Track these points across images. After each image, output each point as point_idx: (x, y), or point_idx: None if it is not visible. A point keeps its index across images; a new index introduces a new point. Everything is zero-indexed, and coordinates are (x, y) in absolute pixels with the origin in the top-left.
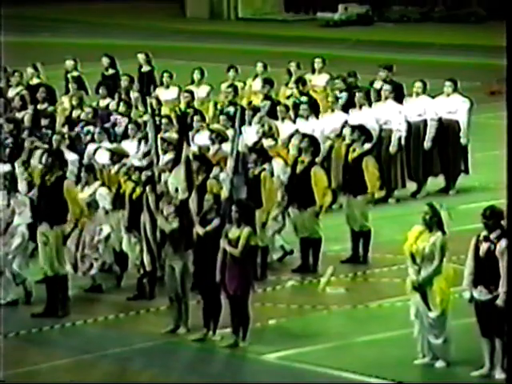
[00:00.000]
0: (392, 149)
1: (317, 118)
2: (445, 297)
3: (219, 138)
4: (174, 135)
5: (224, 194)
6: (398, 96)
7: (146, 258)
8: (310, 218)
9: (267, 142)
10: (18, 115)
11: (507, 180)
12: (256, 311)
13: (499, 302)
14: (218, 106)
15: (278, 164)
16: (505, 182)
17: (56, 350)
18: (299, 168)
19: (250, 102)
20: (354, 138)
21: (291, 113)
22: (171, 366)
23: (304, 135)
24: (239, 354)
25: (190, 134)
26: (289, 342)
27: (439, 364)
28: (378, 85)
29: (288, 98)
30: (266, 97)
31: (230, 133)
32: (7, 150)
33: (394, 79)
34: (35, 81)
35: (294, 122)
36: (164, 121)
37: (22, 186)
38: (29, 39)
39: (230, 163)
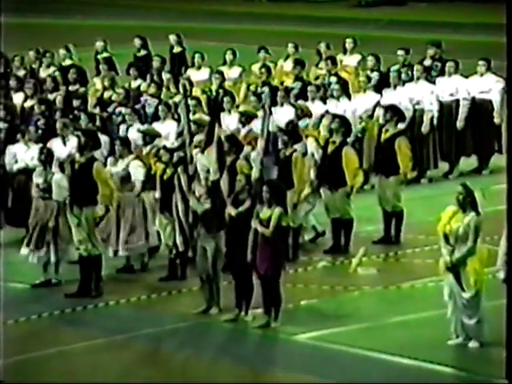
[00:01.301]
0: (424, 129)
1: (348, 98)
2: (479, 277)
3: (249, 119)
4: (204, 117)
5: (254, 174)
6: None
7: (179, 239)
8: (342, 198)
9: (300, 123)
10: (50, 96)
11: (507, 180)
12: (288, 292)
13: None
14: (251, 88)
15: (310, 143)
16: None
17: (89, 330)
18: (330, 148)
19: (281, 83)
20: (386, 119)
21: (321, 93)
22: (203, 346)
23: (334, 116)
24: (271, 335)
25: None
26: (321, 323)
27: (472, 344)
28: (427, 62)
29: (317, 78)
30: (297, 77)
31: (260, 113)
32: (39, 131)
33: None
34: (67, 62)
35: (325, 102)
36: (192, 102)
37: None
38: (61, 21)
39: (261, 144)
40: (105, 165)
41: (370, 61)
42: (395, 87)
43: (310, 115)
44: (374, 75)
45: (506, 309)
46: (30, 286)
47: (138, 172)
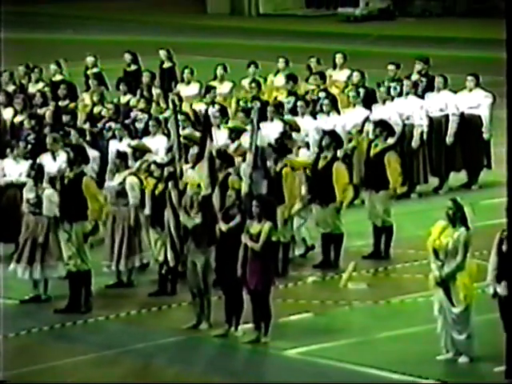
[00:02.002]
0: (414, 144)
1: (338, 113)
2: (468, 292)
3: (238, 134)
4: (194, 132)
5: (244, 189)
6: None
7: (170, 254)
8: (332, 213)
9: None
10: (40, 111)
11: (507, 179)
12: (278, 307)
13: None
14: (241, 103)
15: (303, 155)
16: None
17: (79, 345)
18: (321, 164)
19: (275, 98)
20: (376, 134)
21: (311, 108)
22: (193, 361)
23: (325, 132)
24: (261, 350)
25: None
26: (311, 338)
27: (462, 359)
28: (414, 77)
29: (306, 93)
30: (290, 92)
31: (248, 128)
32: (29, 146)
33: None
34: (58, 77)
35: (315, 117)
36: (181, 118)
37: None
38: (51, 36)
39: (249, 158)
40: (98, 179)
41: (356, 76)
42: (384, 102)
43: (298, 130)
44: (361, 91)
45: (506, 308)
46: (18, 301)
47: (133, 187)
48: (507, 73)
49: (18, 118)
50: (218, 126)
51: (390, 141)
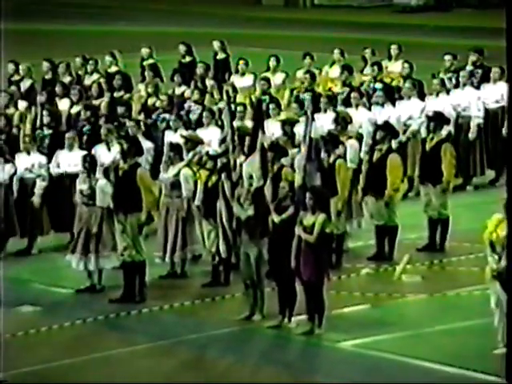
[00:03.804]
0: (471, 136)
1: (392, 104)
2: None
3: (291, 126)
4: (247, 123)
5: (297, 181)
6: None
7: (222, 246)
8: (386, 205)
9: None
10: (95, 102)
11: (507, 178)
12: (331, 299)
13: None
14: (294, 93)
15: (351, 146)
16: None
17: (133, 335)
18: (376, 156)
19: (329, 89)
20: (431, 128)
21: (365, 99)
22: (246, 352)
23: (379, 125)
24: (315, 341)
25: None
26: (364, 330)
27: None
28: (469, 68)
29: (361, 84)
30: (345, 83)
31: (302, 120)
32: (85, 137)
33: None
34: (113, 68)
35: (369, 108)
36: (239, 108)
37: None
38: (106, 28)
39: (303, 150)
40: (152, 170)
41: (406, 68)
42: (438, 94)
43: (350, 121)
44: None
45: (506, 309)
46: (74, 291)
47: (187, 180)
48: (508, 75)
49: (75, 109)
50: (272, 118)
51: (445, 132)
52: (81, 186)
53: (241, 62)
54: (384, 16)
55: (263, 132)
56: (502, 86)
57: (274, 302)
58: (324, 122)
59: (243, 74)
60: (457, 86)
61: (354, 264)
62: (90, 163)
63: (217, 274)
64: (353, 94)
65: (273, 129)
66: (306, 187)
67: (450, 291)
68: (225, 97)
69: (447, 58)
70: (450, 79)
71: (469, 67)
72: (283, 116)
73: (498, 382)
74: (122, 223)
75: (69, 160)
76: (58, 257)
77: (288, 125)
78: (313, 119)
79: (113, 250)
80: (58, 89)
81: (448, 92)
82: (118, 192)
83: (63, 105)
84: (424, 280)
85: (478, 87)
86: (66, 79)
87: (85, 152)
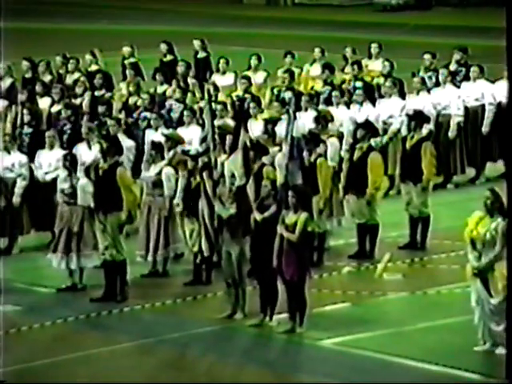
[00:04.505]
0: (451, 134)
1: (372, 103)
2: (506, 283)
3: (274, 125)
4: (229, 122)
5: (280, 179)
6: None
7: (204, 244)
8: (367, 204)
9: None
10: (76, 101)
11: (507, 178)
12: (313, 297)
13: None
14: (275, 91)
15: (331, 144)
16: None
17: (114, 334)
18: (357, 154)
19: (311, 88)
20: (411, 127)
21: (346, 98)
22: (228, 351)
23: (359, 123)
24: (296, 340)
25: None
26: (346, 328)
27: (500, 351)
28: (453, 67)
29: (342, 83)
30: (326, 82)
31: (284, 117)
32: (65, 136)
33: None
34: (93, 67)
35: (349, 107)
36: (219, 107)
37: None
38: (88, 26)
39: (285, 149)
40: (134, 169)
41: (386, 66)
42: (418, 92)
43: (331, 120)
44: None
45: (506, 309)
46: (55, 290)
47: (169, 178)
48: (508, 73)
49: (55, 108)
50: (255, 117)
51: (425, 131)
52: (62, 185)
53: (222, 60)
54: (364, 15)
55: (246, 131)
56: (482, 84)
57: (255, 301)
58: (305, 121)
59: (224, 73)
60: (437, 84)
61: (335, 262)
62: (70, 162)
63: (199, 273)
64: (334, 93)
65: (254, 127)
66: (288, 186)
67: (431, 289)
68: (206, 95)
69: (426, 56)
70: (430, 78)
71: (452, 65)
72: (266, 115)
73: (479, 379)
74: (102, 223)
75: (49, 159)
76: (38, 256)
77: (271, 123)
78: (295, 117)
79: (94, 248)
80: (38, 87)
81: (429, 91)
82: (99, 191)
83: (44, 103)
84: (405, 278)
85: (459, 86)
86: (47, 78)
87: (65, 151)
